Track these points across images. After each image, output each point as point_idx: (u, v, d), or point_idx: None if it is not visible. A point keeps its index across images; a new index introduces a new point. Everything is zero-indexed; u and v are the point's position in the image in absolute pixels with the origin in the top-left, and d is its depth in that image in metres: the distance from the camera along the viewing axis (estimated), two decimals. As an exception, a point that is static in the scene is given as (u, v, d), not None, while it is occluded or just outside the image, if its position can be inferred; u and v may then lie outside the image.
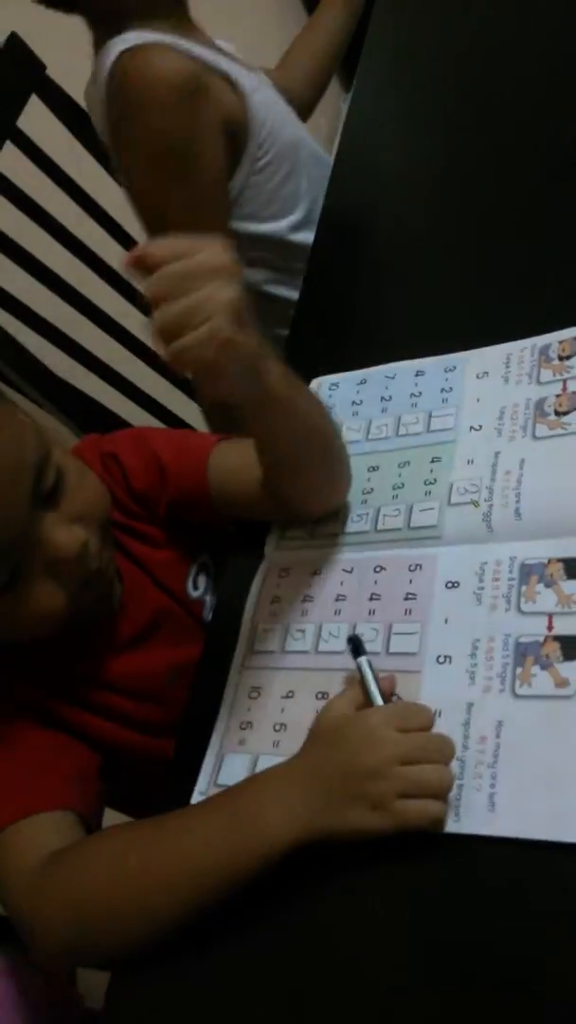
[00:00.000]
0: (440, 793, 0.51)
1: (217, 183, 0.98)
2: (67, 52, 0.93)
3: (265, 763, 0.58)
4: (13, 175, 0.96)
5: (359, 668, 0.58)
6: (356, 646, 0.60)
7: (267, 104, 1.03)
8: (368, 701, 0.56)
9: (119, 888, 0.54)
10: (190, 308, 0.49)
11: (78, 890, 0.54)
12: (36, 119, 0.96)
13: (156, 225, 0.95)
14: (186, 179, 0.93)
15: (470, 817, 0.51)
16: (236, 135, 0.99)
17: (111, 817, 0.69)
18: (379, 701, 0.56)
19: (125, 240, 1.06)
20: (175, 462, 0.74)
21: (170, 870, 0.53)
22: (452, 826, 0.51)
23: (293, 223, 1.09)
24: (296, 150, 1.09)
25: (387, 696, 0.57)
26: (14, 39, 0.92)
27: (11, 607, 0.57)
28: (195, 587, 0.78)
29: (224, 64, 0.98)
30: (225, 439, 0.76)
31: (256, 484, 0.71)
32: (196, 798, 0.61)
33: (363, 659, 0.58)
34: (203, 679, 0.69)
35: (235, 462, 0.73)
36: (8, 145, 0.94)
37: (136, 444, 0.75)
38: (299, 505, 0.72)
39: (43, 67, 0.93)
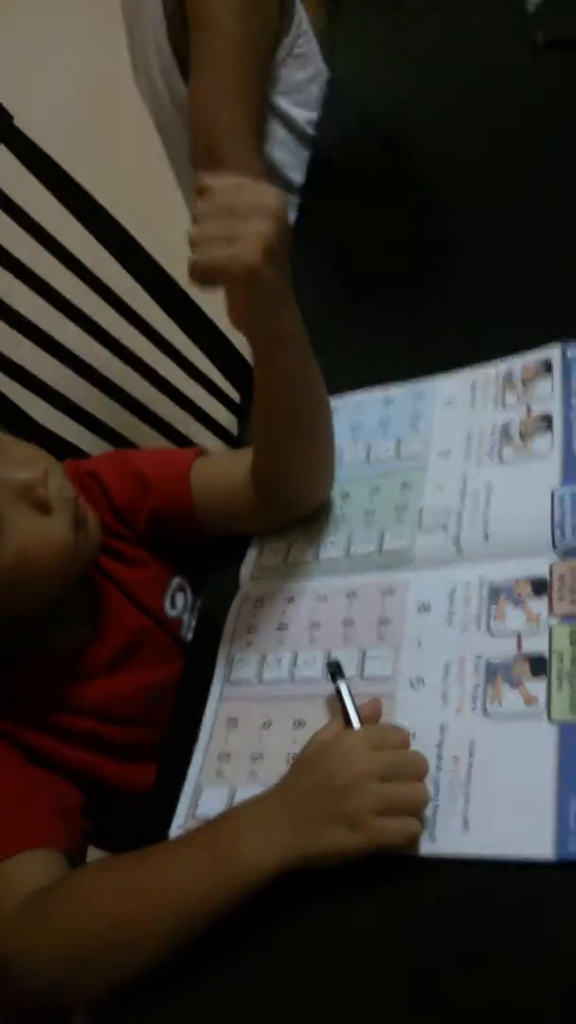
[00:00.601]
0: (415, 809, 0.51)
1: (270, 34, 1.06)
2: (35, 102, 0.95)
3: (243, 795, 0.58)
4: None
5: (337, 692, 0.58)
6: (334, 671, 0.60)
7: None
8: (347, 725, 0.57)
9: (102, 925, 0.54)
10: (224, 228, 0.54)
11: (61, 928, 0.54)
12: (3, 170, 0.98)
13: (212, 53, 1.01)
14: (256, 14, 1.01)
15: (445, 838, 0.51)
16: (285, 5, 1.07)
17: (94, 855, 0.68)
18: (357, 724, 0.56)
19: (94, 283, 1.07)
20: (156, 473, 0.75)
21: (153, 905, 0.53)
22: (427, 847, 0.51)
23: (311, 119, 1.17)
24: (319, 75, 1.18)
25: (369, 720, 0.57)
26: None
27: (23, 551, 0.58)
28: (172, 606, 0.79)
29: None
30: (205, 452, 0.77)
31: (239, 491, 0.72)
32: (175, 832, 0.60)
33: (341, 683, 0.59)
34: (181, 711, 0.69)
35: (216, 471, 0.75)
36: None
37: (115, 462, 0.77)
38: (285, 495, 0.72)
39: (10, 117, 0.95)
